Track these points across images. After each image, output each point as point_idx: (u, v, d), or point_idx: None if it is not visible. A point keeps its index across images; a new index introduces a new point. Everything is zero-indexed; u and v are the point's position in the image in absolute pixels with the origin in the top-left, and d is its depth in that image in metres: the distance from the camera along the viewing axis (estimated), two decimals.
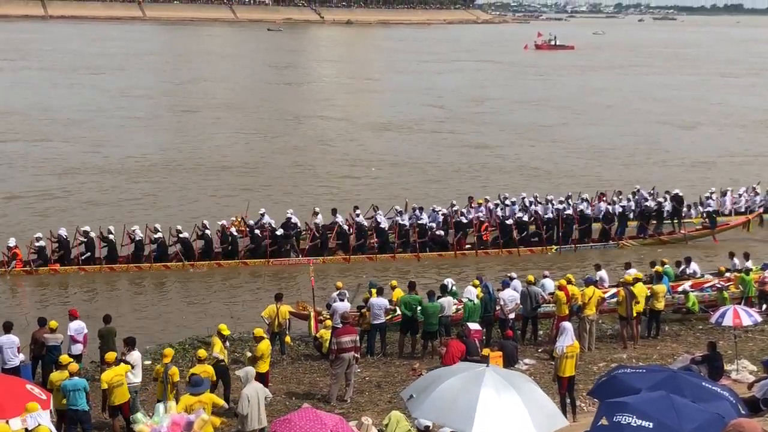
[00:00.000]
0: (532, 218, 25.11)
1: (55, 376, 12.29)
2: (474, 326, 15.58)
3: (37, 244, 21.82)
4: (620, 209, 25.80)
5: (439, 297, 16.66)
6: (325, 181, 33.62)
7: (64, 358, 12.78)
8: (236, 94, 61.93)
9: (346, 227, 23.81)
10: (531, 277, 17.92)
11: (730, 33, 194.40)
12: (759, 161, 38.58)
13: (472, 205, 25.88)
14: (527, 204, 26.09)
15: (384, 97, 62.89)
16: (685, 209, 27.04)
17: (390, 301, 17.02)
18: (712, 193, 27.88)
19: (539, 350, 16.59)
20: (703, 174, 35.69)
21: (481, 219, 24.81)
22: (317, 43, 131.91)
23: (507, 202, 26.17)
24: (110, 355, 12.83)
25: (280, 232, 23.13)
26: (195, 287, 21.42)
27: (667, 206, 26.56)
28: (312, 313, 16.80)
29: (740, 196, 28.35)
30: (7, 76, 67.17)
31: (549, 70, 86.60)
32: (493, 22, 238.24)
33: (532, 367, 15.45)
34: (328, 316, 16.53)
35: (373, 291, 16.67)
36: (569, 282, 17.28)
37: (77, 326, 14.77)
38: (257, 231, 23.15)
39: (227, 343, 14.42)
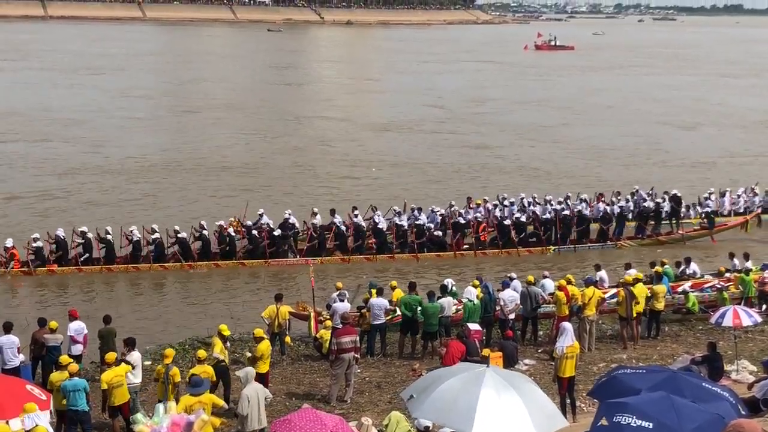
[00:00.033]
0: (530, 219, 25.12)
1: (55, 376, 12.29)
2: (474, 327, 15.59)
3: (34, 244, 21.78)
4: (618, 209, 25.80)
5: (439, 297, 16.66)
6: (326, 181, 33.62)
7: (64, 358, 12.77)
8: (236, 95, 61.93)
9: (343, 228, 23.80)
10: (531, 278, 17.92)
11: (729, 33, 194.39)
12: (759, 161, 38.60)
13: (471, 205, 25.88)
14: (526, 204, 26.09)
15: (384, 98, 62.90)
16: (684, 209, 27.04)
17: (390, 302, 17.03)
18: (711, 193, 27.89)
19: (539, 351, 16.58)
20: (703, 174, 35.69)
21: (479, 219, 24.80)
22: (317, 44, 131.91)
23: (505, 202, 26.16)
24: (110, 356, 12.83)
25: (277, 232, 23.11)
26: (194, 288, 21.42)
27: (666, 207, 26.57)
28: (312, 314, 16.79)
29: (739, 196, 28.36)
30: (8, 77, 67.16)
31: (549, 71, 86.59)
32: (493, 22, 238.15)
33: (532, 367, 15.45)
34: (328, 317, 16.53)
35: (373, 291, 16.67)
36: (569, 282, 17.28)
37: (77, 327, 14.77)
38: (255, 231, 23.14)
39: (228, 344, 14.42)
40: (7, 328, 14.10)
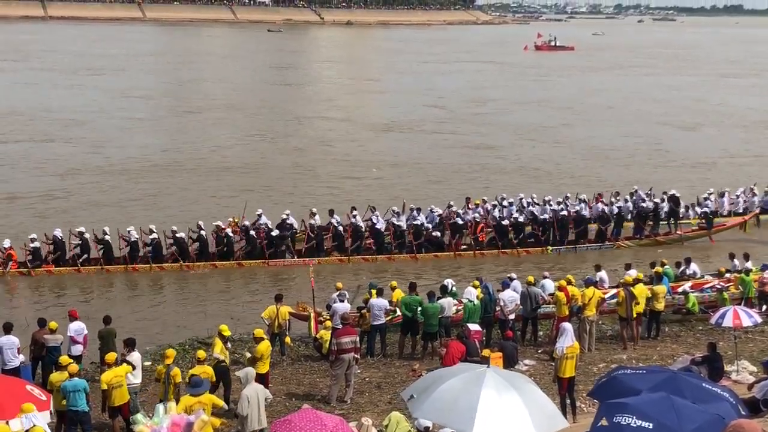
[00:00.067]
0: (528, 219, 25.10)
1: (55, 377, 12.29)
2: (474, 327, 15.58)
3: (31, 245, 21.75)
4: (616, 210, 25.79)
5: (439, 298, 16.66)
6: (326, 181, 33.63)
7: (64, 359, 12.77)
8: (237, 95, 61.93)
9: (341, 228, 23.78)
10: (531, 278, 17.92)
11: (729, 34, 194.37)
12: (759, 162, 38.59)
13: (469, 206, 25.87)
14: (524, 205, 26.09)
15: (384, 98, 62.91)
16: (683, 210, 27.04)
17: (390, 302, 17.03)
18: (710, 194, 27.90)
19: (539, 351, 16.58)
20: (704, 175, 35.68)
21: (477, 220, 24.79)
22: (317, 44, 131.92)
23: (504, 203, 26.15)
24: (110, 356, 12.83)
25: (275, 233, 23.10)
26: (193, 288, 21.43)
27: (665, 207, 26.57)
28: (312, 314, 16.79)
29: (738, 197, 28.36)
30: (8, 77, 67.19)
31: (549, 71, 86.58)
32: (492, 23, 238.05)
33: (532, 367, 15.45)
34: (328, 317, 16.53)
35: (373, 292, 16.66)
36: (569, 283, 17.28)
37: (77, 327, 14.77)
38: (252, 232, 23.13)
39: (229, 344, 14.42)
40: (7, 329, 14.11)
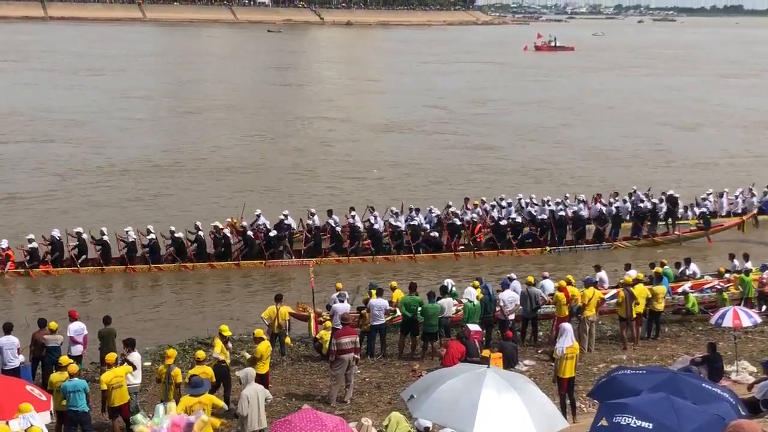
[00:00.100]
0: (527, 220, 25.10)
1: (55, 377, 12.29)
2: (474, 327, 15.58)
3: (29, 245, 21.73)
4: (615, 210, 25.79)
5: (439, 298, 16.66)
6: (327, 182, 33.63)
7: (64, 359, 12.76)
8: (237, 96, 61.94)
9: (338, 229, 23.77)
10: (531, 278, 17.92)
11: (729, 34, 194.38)
12: (760, 162, 38.59)
13: (468, 206, 25.86)
14: (523, 205, 26.08)
15: (385, 99, 62.93)
16: (681, 210, 27.05)
17: (390, 302, 17.03)
18: (709, 194, 27.91)
19: (539, 351, 16.58)
20: (704, 175, 35.68)
21: (476, 220, 24.78)
22: (317, 45, 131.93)
23: (503, 203, 26.15)
24: (110, 356, 12.83)
25: (273, 233, 23.09)
26: (192, 289, 21.43)
27: (663, 207, 26.56)
28: (312, 315, 16.79)
29: (737, 197, 28.37)
30: (8, 77, 67.20)
31: (549, 72, 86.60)
32: (492, 23, 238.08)
33: (532, 368, 15.45)
34: (328, 318, 16.54)
35: (373, 292, 16.66)
36: (569, 283, 17.28)
37: (77, 327, 14.77)
38: (250, 232, 23.11)
39: (229, 344, 14.42)
40: (7, 329, 14.10)
